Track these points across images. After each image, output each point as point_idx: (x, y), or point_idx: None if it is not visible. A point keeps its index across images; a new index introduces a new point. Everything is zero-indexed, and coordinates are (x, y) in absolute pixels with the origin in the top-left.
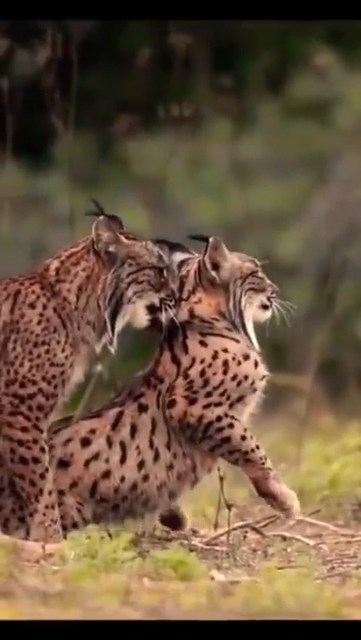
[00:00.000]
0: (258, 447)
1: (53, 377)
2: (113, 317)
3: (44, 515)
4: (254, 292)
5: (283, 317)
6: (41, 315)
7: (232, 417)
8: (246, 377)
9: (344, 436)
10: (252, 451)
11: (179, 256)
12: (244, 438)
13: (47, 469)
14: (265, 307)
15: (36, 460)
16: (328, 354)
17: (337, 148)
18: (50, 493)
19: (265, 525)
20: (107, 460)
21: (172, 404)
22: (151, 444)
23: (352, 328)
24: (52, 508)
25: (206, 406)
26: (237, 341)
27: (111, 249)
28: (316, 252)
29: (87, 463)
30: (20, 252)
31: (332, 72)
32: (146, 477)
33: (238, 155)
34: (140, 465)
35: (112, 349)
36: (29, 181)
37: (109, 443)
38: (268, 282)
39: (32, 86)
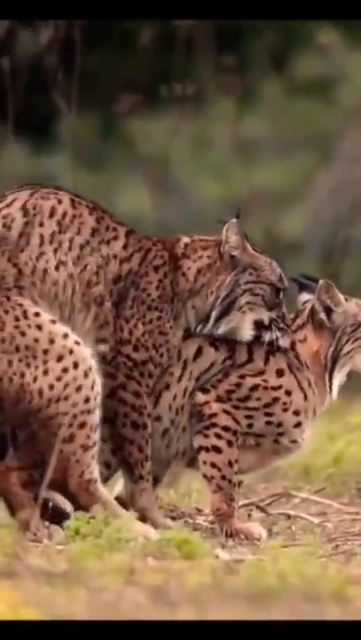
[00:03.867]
0: (235, 485)
1: (160, 345)
2: (219, 318)
3: (147, 481)
4: None
5: None
6: (160, 281)
7: (237, 438)
8: (279, 424)
9: (348, 414)
10: (229, 482)
11: (305, 296)
12: (230, 464)
13: (151, 436)
14: None
15: (145, 426)
16: None
17: (341, 126)
18: (150, 460)
19: (270, 504)
20: (171, 373)
21: (204, 390)
22: (198, 379)
23: None
24: (150, 474)
25: (226, 412)
26: (305, 399)
27: (235, 253)
28: (320, 229)
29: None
30: None
31: (336, 50)
32: (183, 407)
33: (242, 133)
34: (184, 392)
35: None
36: (33, 161)
37: (179, 355)
38: None
39: (35, 66)
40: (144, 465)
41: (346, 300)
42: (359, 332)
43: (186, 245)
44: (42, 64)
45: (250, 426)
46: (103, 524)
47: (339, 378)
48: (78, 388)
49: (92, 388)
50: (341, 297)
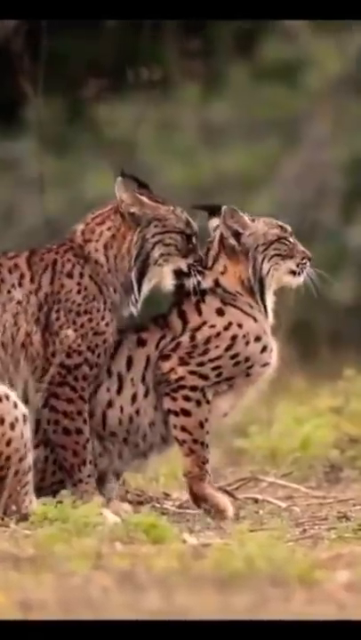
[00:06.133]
0: (207, 446)
1: (97, 346)
2: (140, 278)
3: (87, 484)
4: (281, 258)
5: (313, 285)
6: (79, 283)
7: (206, 398)
8: (247, 359)
9: (315, 397)
10: (201, 444)
11: (215, 221)
12: (201, 425)
13: (88, 440)
14: (294, 273)
15: (79, 431)
16: (299, 315)
17: (307, 111)
18: (90, 462)
19: (237, 488)
20: (108, 389)
21: (166, 357)
22: (143, 379)
23: (323, 289)
24: (92, 476)
25: (192, 372)
26: (256, 320)
27: (134, 210)
28: (287, 214)
29: (95, 393)
30: None
31: (302, 34)
32: (138, 411)
33: (208, 118)
34: (133, 398)
35: (134, 311)
36: None
37: (109, 372)
38: (301, 248)
39: (1, 50)
40: (81, 469)
41: (253, 220)
42: (272, 250)
43: (83, 232)
44: (7, 48)
45: (219, 375)
46: (71, 508)
47: (270, 298)
48: (8, 443)
49: (22, 436)
50: (248, 219)
